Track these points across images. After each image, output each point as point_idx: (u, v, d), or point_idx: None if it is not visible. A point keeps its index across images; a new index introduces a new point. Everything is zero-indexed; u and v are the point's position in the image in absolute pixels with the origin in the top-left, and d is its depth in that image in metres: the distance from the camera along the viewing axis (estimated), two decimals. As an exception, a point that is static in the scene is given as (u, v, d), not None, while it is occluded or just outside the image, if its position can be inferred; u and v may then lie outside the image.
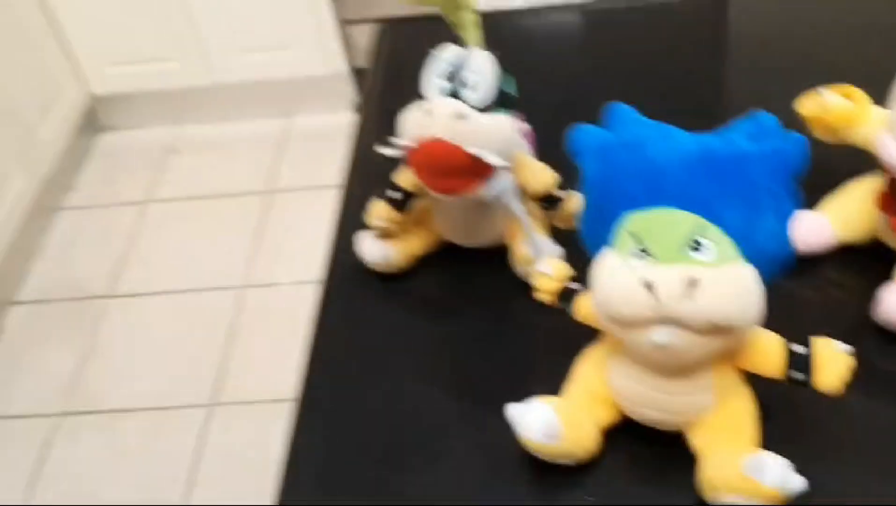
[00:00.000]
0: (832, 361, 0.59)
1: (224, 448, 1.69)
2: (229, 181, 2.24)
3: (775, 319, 0.60)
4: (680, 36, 1.06)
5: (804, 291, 0.73)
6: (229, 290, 1.99)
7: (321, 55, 2.22)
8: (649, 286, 0.55)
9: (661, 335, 0.56)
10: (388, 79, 1.00)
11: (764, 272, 0.57)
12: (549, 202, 0.75)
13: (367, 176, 0.89)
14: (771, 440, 0.61)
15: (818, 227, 0.75)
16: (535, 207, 0.78)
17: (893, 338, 0.69)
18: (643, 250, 0.56)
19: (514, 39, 1.08)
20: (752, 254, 0.57)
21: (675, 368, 0.60)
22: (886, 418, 0.65)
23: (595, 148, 0.62)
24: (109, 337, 1.93)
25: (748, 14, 1.06)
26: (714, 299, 0.54)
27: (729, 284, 0.55)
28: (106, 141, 2.43)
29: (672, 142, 0.60)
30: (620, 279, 0.57)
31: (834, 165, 0.76)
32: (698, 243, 0.56)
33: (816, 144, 0.73)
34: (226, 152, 2.33)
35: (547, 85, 0.99)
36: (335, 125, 2.02)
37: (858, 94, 0.74)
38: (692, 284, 0.54)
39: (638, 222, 0.58)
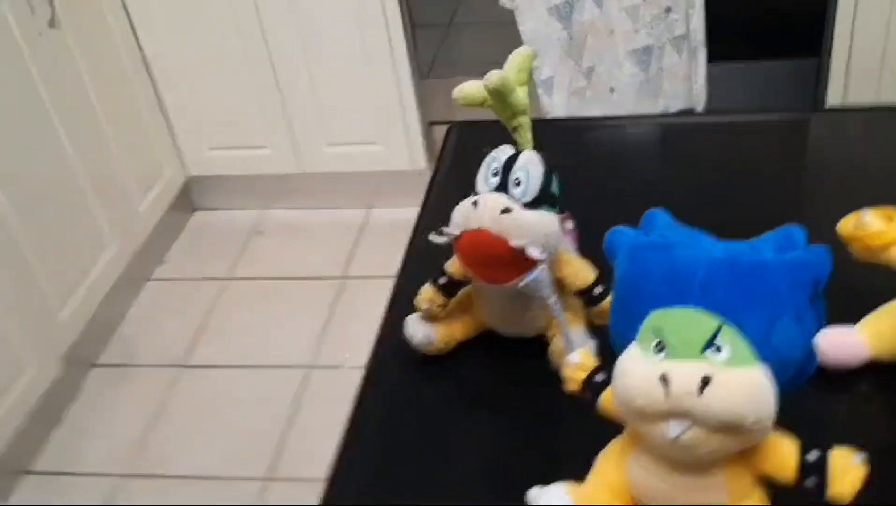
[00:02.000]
0: (846, 472, 0.60)
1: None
2: (307, 265, 2.33)
3: (801, 428, 0.62)
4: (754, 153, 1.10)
5: (834, 404, 0.74)
6: (296, 368, 2.05)
7: (406, 152, 2.33)
8: (665, 380, 0.58)
9: (673, 429, 0.58)
10: (451, 175, 1.06)
11: (781, 377, 0.60)
12: (589, 298, 0.79)
13: (423, 265, 0.95)
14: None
15: (854, 342, 0.77)
16: (577, 302, 0.82)
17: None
18: (663, 346, 0.59)
19: (584, 147, 1.14)
20: (769, 358, 0.59)
21: (689, 464, 0.62)
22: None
23: (627, 248, 0.66)
24: (179, 405, 2.01)
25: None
26: (726, 398, 0.57)
27: (742, 385, 0.57)
28: (197, 219, 2.57)
29: (699, 247, 0.64)
30: (638, 371, 0.60)
31: (878, 285, 0.78)
32: (716, 344, 0.58)
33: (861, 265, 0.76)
34: (306, 237, 2.44)
35: (602, 190, 1.03)
36: (412, 218, 2.10)
37: (897, 215, 0.76)
38: (706, 381, 0.57)
39: (660, 319, 0.61)
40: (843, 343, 0.76)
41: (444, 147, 1.12)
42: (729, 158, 1.10)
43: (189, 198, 2.55)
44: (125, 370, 2.11)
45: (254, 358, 2.09)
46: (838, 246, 0.66)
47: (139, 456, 1.89)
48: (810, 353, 0.63)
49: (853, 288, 0.81)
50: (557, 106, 2.12)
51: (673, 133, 1.21)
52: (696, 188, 1.04)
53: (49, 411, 1.94)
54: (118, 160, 2.18)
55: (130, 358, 2.14)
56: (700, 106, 2.10)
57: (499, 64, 0.77)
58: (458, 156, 1.10)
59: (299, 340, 2.12)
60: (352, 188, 2.46)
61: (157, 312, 2.27)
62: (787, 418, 0.64)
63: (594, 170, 1.10)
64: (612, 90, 2.18)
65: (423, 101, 2.28)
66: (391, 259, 1.00)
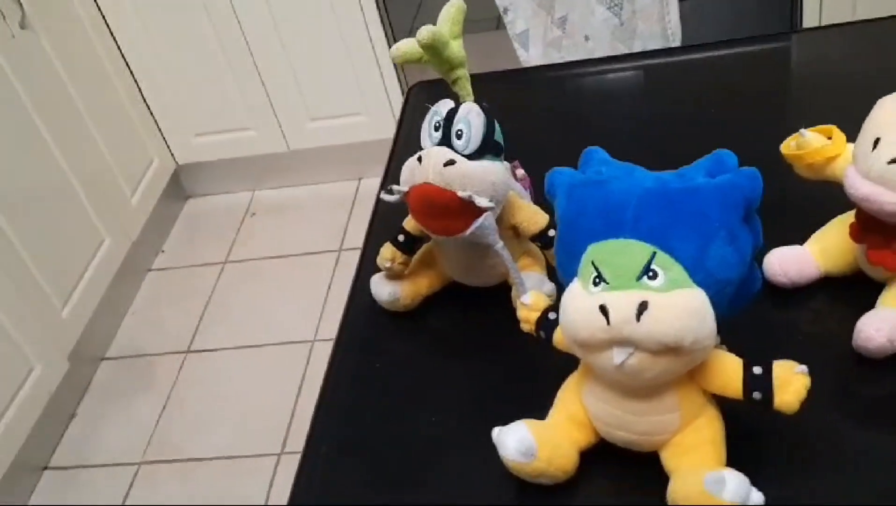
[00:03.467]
0: (790, 382, 0.62)
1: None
2: (302, 242, 2.36)
3: (756, 346, 0.64)
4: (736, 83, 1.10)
5: (788, 320, 0.76)
6: (300, 344, 2.08)
7: (390, 120, 2.34)
8: (603, 310, 0.60)
9: (618, 356, 0.60)
10: (414, 135, 1.07)
11: (719, 297, 0.61)
12: (544, 241, 0.81)
13: (390, 227, 0.97)
14: (737, 459, 0.64)
15: (801, 260, 0.78)
16: (534, 247, 0.84)
17: (872, 365, 0.71)
18: (601, 278, 0.61)
19: (564, 93, 1.15)
20: (704, 280, 0.61)
21: (639, 388, 0.64)
22: (858, 439, 0.67)
23: (564, 187, 0.68)
24: (188, 390, 2.04)
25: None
26: (663, 321, 0.59)
27: (678, 308, 0.59)
28: (191, 206, 2.60)
29: (632, 180, 0.65)
30: (579, 305, 0.62)
31: (824, 202, 0.79)
32: (651, 271, 0.60)
33: (809, 183, 0.78)
34: (300, 214, 2.46)
35: (584, 134, 1.04)
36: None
37: (837, 133, 0.77)
38: (642, 307, 0.59)
39: (596, 252, 0.63)
40: (792, 261, 0.78)
41: (404, 108, 1.13)
42: (711, 92, 1.11)
43: (180, 186, 2.58)
44: (133, 361, 2.15)
45: (258, 338, 2.13)
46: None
47: (154, 443, 1.93)
48: (750, 272, 0.65)
49: (804, 209, 0.83)
50: (534, 59, 2.12)
51: (652, 71, 1.22)
52: (679, 126, 1.05)
53: (62, 407, 1.98)
54: (106, 156, 2.20)
55: (137, 349, 2.17)
56: (676, 44, 2.09)
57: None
58: (420, 115, 1.11)
59: (301, 316, 2.15)
60: (340, 161, 2.47)
61: (159, 301, 2.31)
62: (743, 337, 0.66)
63: (574, 115, 1.11)
64: (586, 38, 2.18)
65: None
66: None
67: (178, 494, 1.82)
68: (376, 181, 2.48)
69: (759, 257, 0.76)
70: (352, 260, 2.24)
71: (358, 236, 2.30)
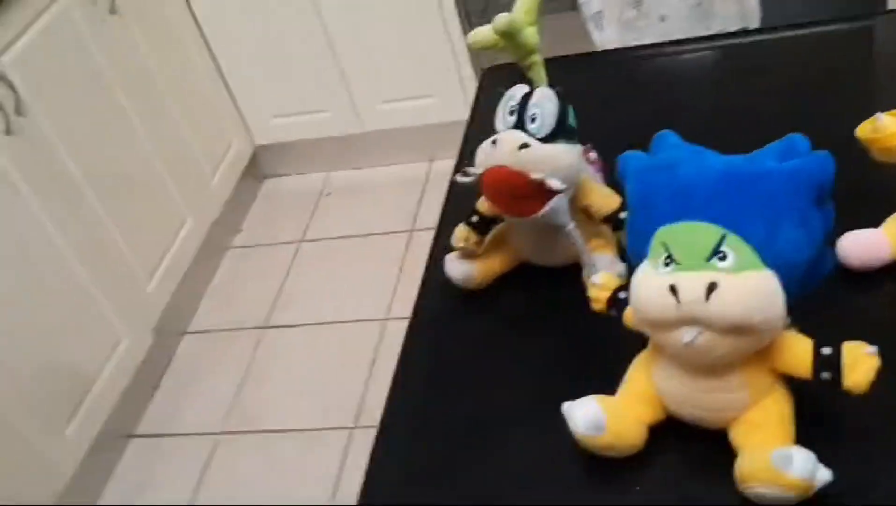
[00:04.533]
0: (859, 363, 0.63)
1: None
2: (375, 222, 2.40)
3: (827, 327, 0.65)
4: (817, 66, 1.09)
5: (860, 303, 0.77)
6: (372, 322, 2.13)
7: (462, 102, 2.36)
8: (673, 290, 0.61)
9: (686, 335, 0.62)
10: (488, 119, 1.10)
11: (789, 279, 0.63)
12: (615, 223, 0.82)
13: (465, 208, 0.99)
14: (806, 438, 0.65)
15: (875, 243, 0.78)
16: (607, 229, 0.86)
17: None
18: (671, 259, 0.63)
19: (639, 76, 1.15)
20: (773, 262, 0.62)
21: (707, 366, 0.66)
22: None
23: (635, 171, 0.70)
24: (266, 364, 2.11)
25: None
26: (732, 301, 0.60)
27: (746, 288, 0.61)
28: (268, 186, 2.67)
29: (702, 163, 0.67)
30: (649, 285, 0.64)
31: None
32: (721, 252, 0.62)
33: (885, 167, 0.77)
34: (373, 195, 2.51)
35: (658, 118, 1.05)
36: (471, 167, 2.15)
37: (914, 116, 0.77)
38: (711, 287, 0.60)
39: (666, 234, 0.64)
40: (866, 244, 0.78)
41: (478, 92, 1.15)
42: (789, 74, 1.10)
43: (258, 167, 2.65)
44: (213, 336, 2.23)
45: (332, 315, 2.18)
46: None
47: (233, 414, 2.01)
48: (821, 255, 0.66)
49: (879, 193, 0.83)
50: (609, 40, 2.11)
51: (729, 53, 1.21)
52: (755, 108, 1.04)
53: (146, 379, 2.07)
54: (188, 138, 2.27)
55: (217, 324, 2.25)
56: (754, 24, 2.06)
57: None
58: (494, 99, 1.13)
59: (374, 294, 2.19)
60: (412, 143, 2.51)
61: (238, 278, 2.38)
62: (813, 319, 0.67)
63: (649, 99, 1.11)
64: (662, 18, 2.16)
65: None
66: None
67: (256, 463, 1.89)
68: (448, 163, 2.51)
69: (832, 240, 0.77)
70: (424, 240, 2.28)
71: (429, 217, 2.34)
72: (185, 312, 2.26)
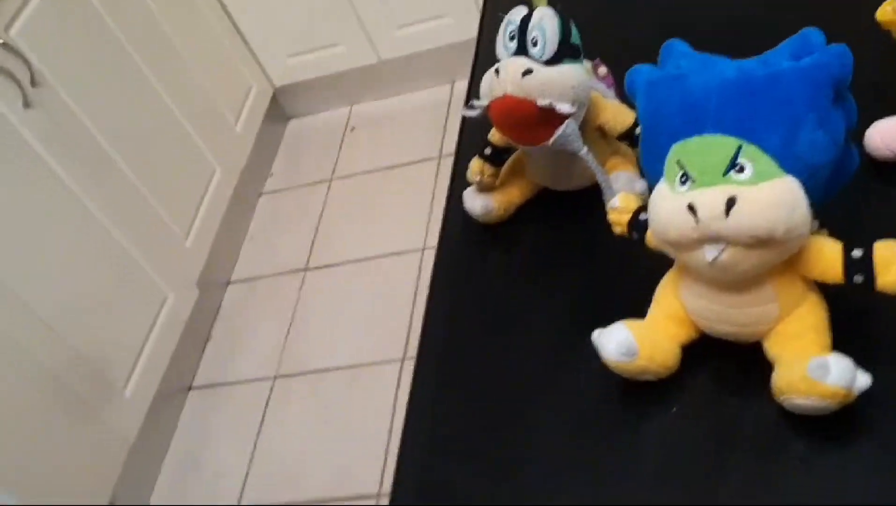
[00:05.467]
0: (892, 262, 0.60)
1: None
2: (403, 151, 2.38)
3: (858, 226, 0.62)
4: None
5: (892, 196, 0.74)
6: (411, 253, 2.13)
7: (477, 18, 2.29)
8: (691, 209, 0.59)
9: (709, 253, 0.60)
10: (492, 45, 1.06)
11: (814, 182, 0.60)
12: (632, 140, 0.80)
13: (480, 140, 0.97)
14: (843, 343, 0.64)
15: (905, 130, 0.75)
16: (624, 145, 0.83)
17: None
18: (687, 176, 0.61)
19: None
20: (795, 167, 0.59)
21: (735, 282, 0.64)
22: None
23: (643, 85, 0.67)
24: (310, 305, 2.14)
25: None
26: (753, 214, 0.58)
27: (768, 200, 0.58)
28: (292, 127, 2.65)
29: (713, 71, 0.63)
30: (666, 205, 0.62)
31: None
32: (738, 164, 0.59)
33: None
34: (398, 124, 2.48)
35: (637, 30, 1.01)
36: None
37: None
38: (730, 202, 0.58)
39: (680, 151, 0.62)
40: (893, 133, 0.75)
41: (483, 17, 1.11)
42: None
43: (280, 108, 2.63)
44: (256, 283, 2.25)
45: (371, 250, 2.19)
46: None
47: (285, 358, 2.04)
48: (845, 154, 0.63)
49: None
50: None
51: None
52: (766, 7, 0.99)
53: (197, 332, 2.11)
54: (206, 87, 2.26)
55: (259, 270, 2.27)
56: None
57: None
58: (499, 23, 1.10)
59: (409, 225, 2.19)
60: (432, 66, 2.46)
61: (274, 223, 2.39)
62: (843, 219, 0.65)
63: (658, 7, 1.07)
64: None
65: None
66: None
67: (312, 404, 1.93)
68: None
69: (858, 136, 0.74)
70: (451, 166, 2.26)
71: (455, 141, 2.31)
72: (225, 262, 2.28)
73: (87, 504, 1.63)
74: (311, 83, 2.55)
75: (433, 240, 2.13)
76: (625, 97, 0.81)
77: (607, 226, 0.78)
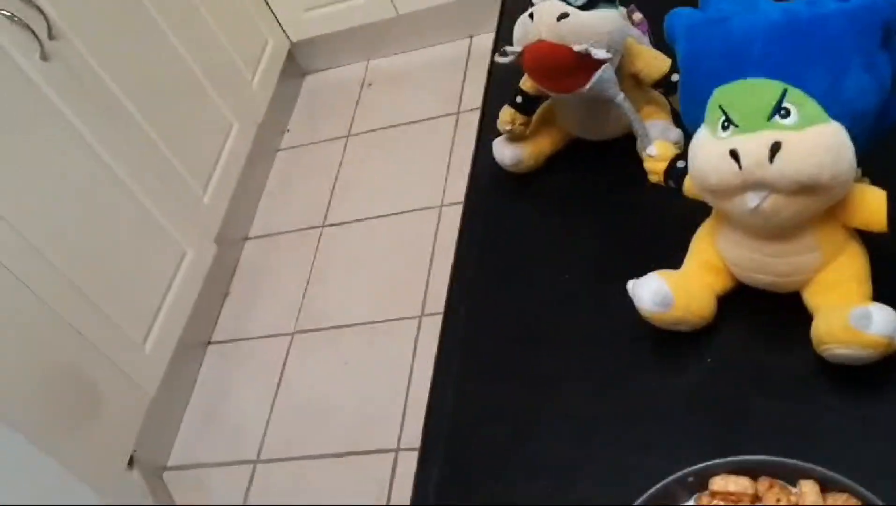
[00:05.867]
0: (938, 210, 0.59)
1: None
2: (420, 107, 2.36)
3: None
4: None
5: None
6: (429, 210, 2.12)
7: (496, -29, 2.26)
8: (734, 155, 0.58)
9: (751, 200, 0.59)
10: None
11: (859, 128, 0.59)
12: (667, 87, 0.78)
13: (507, 88, 0.95)
14: (885, 292, 0.63)
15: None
16: (658, 94, 0.82)
17: None
18: (729, 122, 0.59)
19: None
20: (841, 112, 0.58)
21: (776, 230, 0.63)
22: None
23: (684, 29, 0.65)
24: (329, 262, 2.13)
25: None
26: (798, 160, 0.57)
27: (812, 145, 0.57)
28: (309, 83, 2.63)
29: (756, 13, 0.62)
30: (708, 151, 0.60)
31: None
32: (783, 109, 0.58)
33: None
34: (415, 80, 2.45)
35: None
36: (512, 39, 2.08)
37: None
38: (775, 148, 0.57)
39: (723, 95, 0.60)
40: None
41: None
42: None
43: (297, 64, 2.60)
44: (275, 239, 2.25)
45: (388, 206, 2.18)
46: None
47: (303, 314, 2.04)
48: (890, 99, 0.61)
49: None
50: None
51: None
52: None
53: (216, 287, 2.11)
54: (223, 42, 2.23)
55: (277, 226, 2.27)
56: None
57: None
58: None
59: (427, 181, 2.17)
60: (450, 20, 2.43)
61: (291, 179, 2.38)
62: (887, 167, 0.64)
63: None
64: None
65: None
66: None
67: (332, 358, 1.93)
68: (488, 38, 2.42)
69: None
70: (471, 121, 2.23)
71: (474, 97, 2.29)
72: (243, 218, 2.28)
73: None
74: (327, 38, 2.52)
75: (451, 197, 2.13)
76: (659, 46, 0.80)
77: (640, 175, 0.77)
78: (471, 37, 2.46)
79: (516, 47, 0.74)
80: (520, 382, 0.72)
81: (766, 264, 0.65)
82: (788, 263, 0.65)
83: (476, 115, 2.28)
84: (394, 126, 2.36)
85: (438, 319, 1.97)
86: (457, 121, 2.28)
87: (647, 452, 0.64)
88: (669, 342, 0.69)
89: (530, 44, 0.73)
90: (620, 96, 0.72)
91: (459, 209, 2.16)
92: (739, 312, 0.69)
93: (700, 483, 0.58)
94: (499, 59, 0.76)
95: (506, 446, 0.69)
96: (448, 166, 2.18)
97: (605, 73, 0.71)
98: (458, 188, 2.09)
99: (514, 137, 0.84)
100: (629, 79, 0.78)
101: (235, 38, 2.28)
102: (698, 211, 0.70)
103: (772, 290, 0.67)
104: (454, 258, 0.85)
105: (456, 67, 2.41)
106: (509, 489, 0.66)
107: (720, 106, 0.60)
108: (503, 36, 1.02)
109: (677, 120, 0.80)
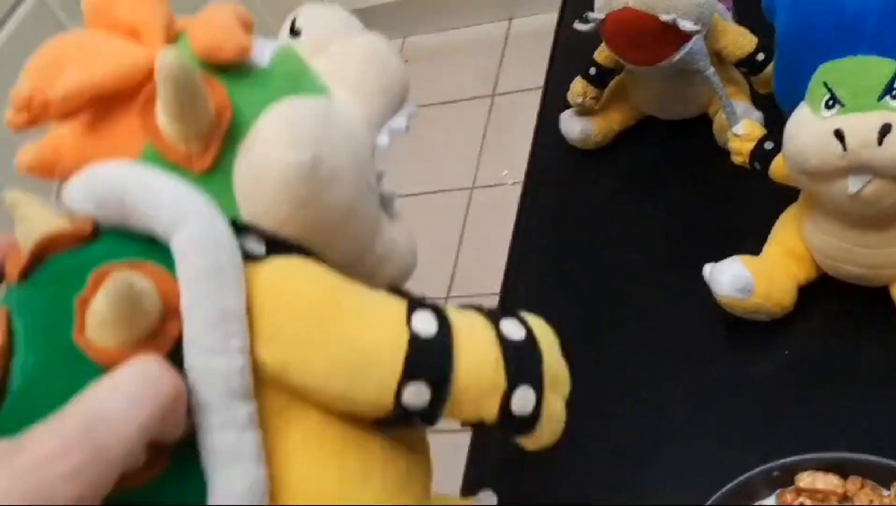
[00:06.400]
0: None
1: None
2: (455, 87, 2.32)
3: None
4: None
5: None
6: (459, 191, 2.09)
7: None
8: (839, 135, 0.55)
9: (853, 184, 0.56)
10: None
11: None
12: (752, 66, 0.75)
13: (572, 60, 0.92)
14: (982, 292, 0.60)
15: None
16: (738, 75, 0.78)
17: None
18: (835, 100, 0.56)
19: None
20: (958, 96, 0.55)
21: (873, 219, 0.59)
22: None
23: (787, 2, 0.62)
24: (355, 238, 2.10)
25: None
26: (910, 145, 0.53)
27: (927, 128, 0.54)
28: (344, 57, 2.59)
29: (869, -13, 0.58)
30: (810, 130, 0.57)
31: None
32: (895, 90, 0.55)
33: None
34: (451, 59, 2.42)
35: None
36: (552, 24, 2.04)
37: None
38: (885, 130, 0.54)
39: (830, 72, 0.57)
40: None
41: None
42: None
43: (332, 37, 2.57)
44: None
45: (418, 186, 2.14)
46: None
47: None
48: None
49: None
50: None
51: None
52: None
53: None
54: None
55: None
56: None
57: None
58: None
59: (458, 163, 2.14)
60: (488, 1, 2.39)
61: (319, 153, 2.35)
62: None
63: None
64: None
65: None
66: (538, 70, 0.98)
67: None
68: (527, 21, 2.40)
69: None
70: (505, 105, 2.20)
71: (510, 80, 2.26)
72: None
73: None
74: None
75: (482, 179, 2.09)
76: (741, 22, 0.76)
77: (715, 155, 0.74)
78: (510, 19, 2.43)
79: (598, 14, 0.71)
80: (585, 364, 0.69)
81: (856, 255, 0.62)
82: (882, 254, 0.61)
83: (510, 99, 2.26)
84: (427, 105, 2.33)
85: (463, 302, 1.96)
86: (492, 102, 2.24)
87: (722, 443, 0.61)
88: (746, 330, 0.66)
89: (615, 10, 0.69)
90: (711, 70, 0.68)
91: (490, 193, 2.14)
92: (819, 303, 0.66)
93: (784, 479, 0.55)
94: (578, 25, 0.73)
95: (572, 426, 0.66)
96: (480, 148, 2.15)
97: (696, 44, 0.67)
98: (489, 172, 2.07)
99: (584, 111, 0.81)
100: (712, 56, 0.74)
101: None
102: (777, 195, 0.67)
103: (858, 282, 0.64)
104: (512, 236, 0.82)
105: (493, 49, 2.38)
106: (576, 469, 0.63)
107: (825, 83, 0.57)
108: (569, 7, 0.99)
109: (755, 102, 0.77)
